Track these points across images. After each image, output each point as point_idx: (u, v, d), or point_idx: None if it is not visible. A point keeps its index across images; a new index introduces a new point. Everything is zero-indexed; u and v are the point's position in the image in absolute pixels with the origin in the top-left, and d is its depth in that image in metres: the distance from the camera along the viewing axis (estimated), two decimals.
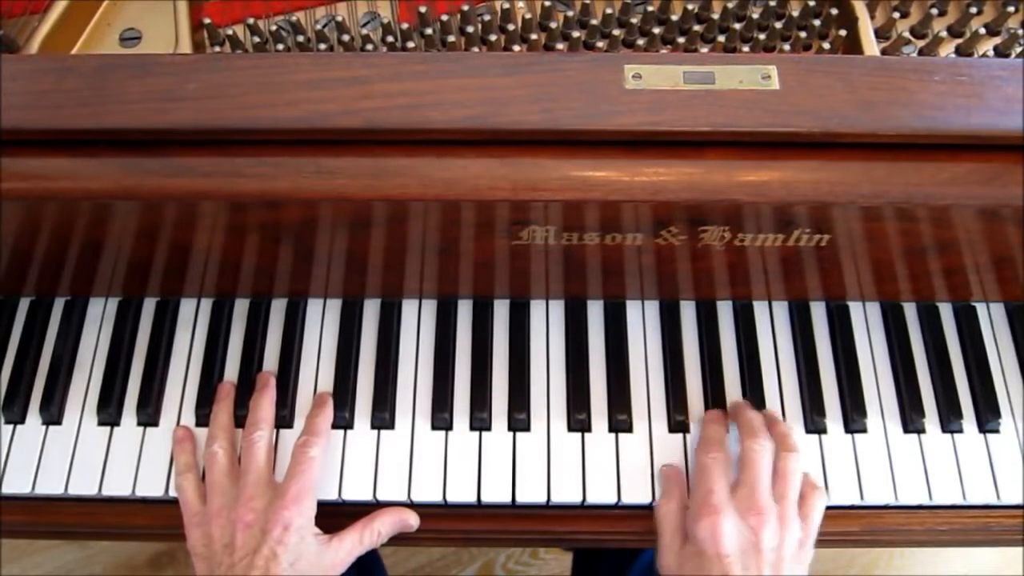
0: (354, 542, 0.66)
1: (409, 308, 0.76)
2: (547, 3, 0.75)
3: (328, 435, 0.69)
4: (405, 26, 0.76)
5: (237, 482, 0.66)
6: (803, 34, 0.75)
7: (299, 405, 0.72)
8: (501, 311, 0.76)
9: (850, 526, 0.70)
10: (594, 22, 0.75)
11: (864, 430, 0.72)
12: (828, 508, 0.69)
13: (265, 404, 0.70)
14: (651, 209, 0.62)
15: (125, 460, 0.70)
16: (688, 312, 0.77)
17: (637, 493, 0.69)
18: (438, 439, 0.71)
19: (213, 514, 0.65)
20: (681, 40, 0.75)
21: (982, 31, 0.74)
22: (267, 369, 0.74)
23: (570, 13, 0.75)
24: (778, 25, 0.76)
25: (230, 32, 0.74)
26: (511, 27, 0.75)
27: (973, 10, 0.76)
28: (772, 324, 0.76)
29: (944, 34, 0.75)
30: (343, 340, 0.75)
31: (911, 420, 0.72)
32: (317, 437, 0.68)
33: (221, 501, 0.65)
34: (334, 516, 0.68)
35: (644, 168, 0.60)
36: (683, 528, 0.65)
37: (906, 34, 0.76)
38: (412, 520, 0.69)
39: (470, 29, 0.75)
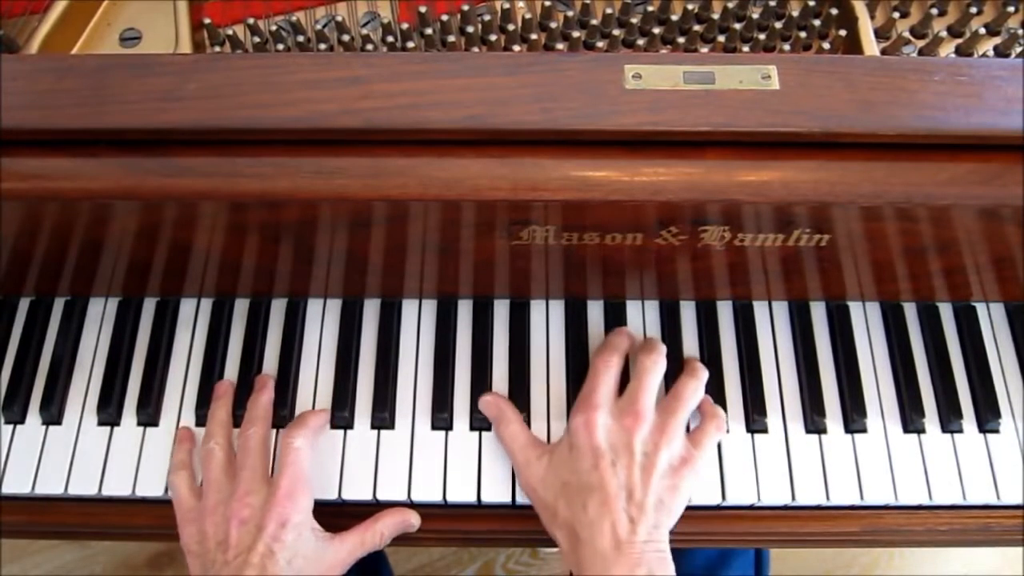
0: (356, 544, 0.66)
1: (409, 308, 0.76)
2: (547, 3, 0.75)
3: (313, 427, 0.69)
4: (405, 26, 0.76)
5: (233, 478, 0.66)
6: (803, 34, 0.75)
7: (299, 405, 0.72)
8: (501, 311, 0.76)
9: (850, 526, 0.70)
10: (594, 22, 0.75)
11: (864, 430, 0.72)
12: (828, 508, 0.70)
13: (263, 403, 0.70)
14: (651, 209, 0.62)
15: (125, 460, 0.70)
16: (688, 312, 0.77)
17: None
18: (438, 439, 0.71)
19: (208, 510, 0.64)
20: (681, 40, 0.75)
21: (982, 31, 0.74)
22: (267, 369, 0.74)
23: (570, 13, 0.75)
24: (778, 25, 0.76)
25: (230, 32, 0.74)
26: (511, 27, 0.75)
27: (973, 10, 0.76)
28: (772, 324, 0.76)
29: (944, 34, 0.75)
30: (343, 340, 0.75)
31: (911, 420, 0.72)
32: (300, 428, 0.68)
33: (217, 497, 0.65)
34: (335, 516, 0.68)
35: (644, 168, 0.60)
36: (535, 442, 0.67)
37: (906, 34, 0.76)
38: (414, 520, 0.69)
39: (470, 29, 0.75)
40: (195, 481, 0.68)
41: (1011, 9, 0.75)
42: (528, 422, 0.71)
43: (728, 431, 0.70)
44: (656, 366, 0.68)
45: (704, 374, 0.70)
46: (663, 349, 0.71)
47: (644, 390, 0.66)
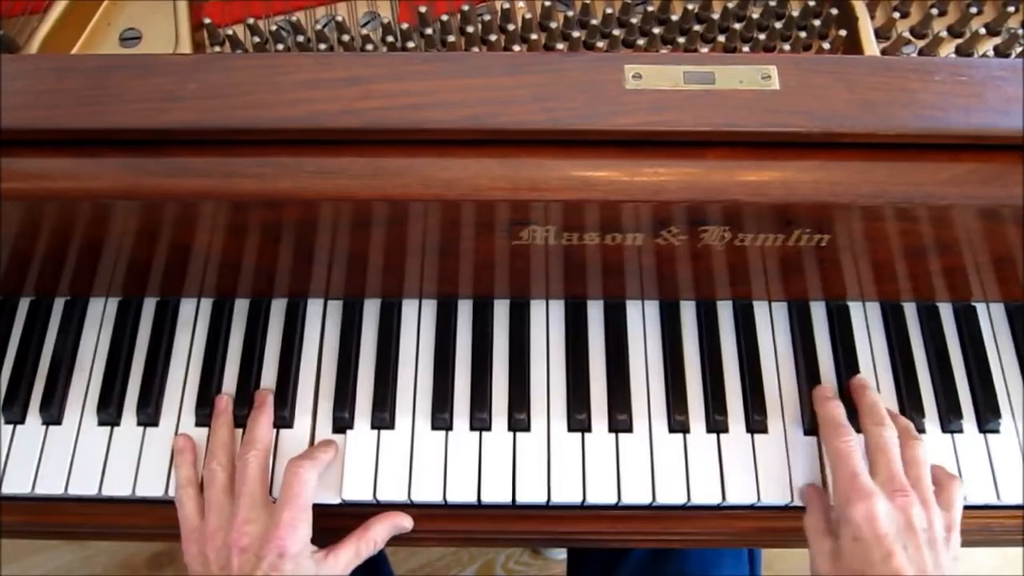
0: (351, 555, 0.66)
1: (409, 308, 0.76)
2: (547, 3, 0.75)
3: (324, 461, 0.69)
4: (405, 26, 0.76)
5: (234, 502, 0.66)
6: (803, 34, 0.75)
7: (299, 405, 0.72)
8: (501, 311, 0.76)
9: None
10: (594, 22, 0.75)
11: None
12: None
13: (262, 423, 0.70)
14: (651, 209, 0.62)
15: (125, 460, 0.70)
16: (688, 312, 0.77)
17: (637, 493, 0.69)
18: (438, 439, 0.71)
19: (209, 534, 0.64)
20: (681, 40, 0.75)
21: (982, 31, 0.75)
22: (267, 369, 0.74)
23: (570, 13, 0.75)
24: (778, 25, 0.76)
25: (230, 32, 0.74)
26: (511, 27, 0.75)
27: (973, 10, 0.76)
28: (772, 324, 0.76)
29: (944, 34, 0.75)
30: (343, 340, 0.75)
31: (911, 420, 0.71)
32: (311, 461, 0.67)
33: (217, 521, 0.65)
34: (335, 516, 0.68)
35: (644, 168, 0.60)
36: (829, 531, 0.65)
37: (906, 34, 0.76)
38: (406, 522, 0.69)
39: (470, 29, 0.75)
40: (201, 497, 0.68)
41: (1011, 9, 0.75)
42: (528, 423, 0.71)
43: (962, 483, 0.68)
44: (894, 437, 0.66)
45: (920, 436, 0.68)
46: (886, 413, 0.68)
47: (896, 463, 0.64)
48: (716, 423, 0.71)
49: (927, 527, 0.61)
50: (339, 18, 0.75)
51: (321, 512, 0.66)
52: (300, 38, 0.75)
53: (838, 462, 0.65)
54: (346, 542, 0.66)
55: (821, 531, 0.65)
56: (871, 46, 0.73)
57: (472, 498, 0.69)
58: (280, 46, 0.74)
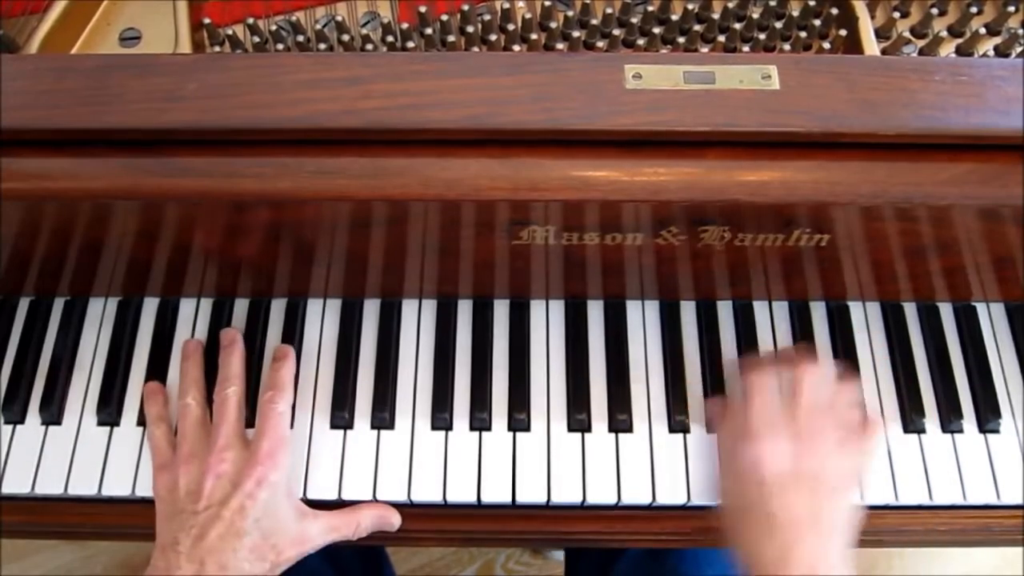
0: (328, 526, 0.66)
1: (409, 308, 0.76)
2: (547, 3, 0.75)
3: (290, 385, 0.70)
4: (405, 26, 0.76)
5: (209, 434, 0.66)
6: (803, 34, 0.75)
7: (299, 405, 0.72)
8: (501, 311, 0.76)
9: None
10: (594, 22, 0.75)
11: None
12: None
13: (235, 360, 0.70)
14: (651, 209, 0.62)
15: (125, 460, 0.70)
16: (688, 312, 0.76)
17: (637, 493, 0.69)
18: (438, 439, 0.71)
19: (182, 460, 0.65)
20: (681, 40, 0.75)
21: (982, 31, 0.74)
22: (267, 368, 0.74)
23: (570, 13, 0.75)
24: (778, 25, 0.76)
25: (230, 32, 0.74)
26: (511, 27, 0.75)
27: (973, 10, 0.76)
28: (772, 324, 0.76)
29: (944, 34, 0.75)
30: (343, 340, 0.75)
31: (911, 420, 0.72)
32: (282, 391, 0.68)
33: (191, 449, 0.65)
34: None
35: (644, 168, 0.60)
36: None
37: (906, 34, 0.76)
38: (394, 520, 0.69)
39: (470, 29, 0.75)
40: (172, 433, 0.68)
41: (1011, 9, 0.75)
42: (528, 423, 0.71)
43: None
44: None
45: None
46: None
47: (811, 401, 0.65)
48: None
49: (817, 472, 0.61)
50: (339, 18, 0.75)
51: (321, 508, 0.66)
52: (300, 38, 0.75)
53: (747, 397, 0.66)
54: (330, 513, 0.66)
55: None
56: (871, 46, 0.73)
57: (472, 498, 0.69)
58: (280, 46, 0.74)
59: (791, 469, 0.61)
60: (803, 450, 0.61)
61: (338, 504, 0.69)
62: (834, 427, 0.64)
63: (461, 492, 0.69)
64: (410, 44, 0.73)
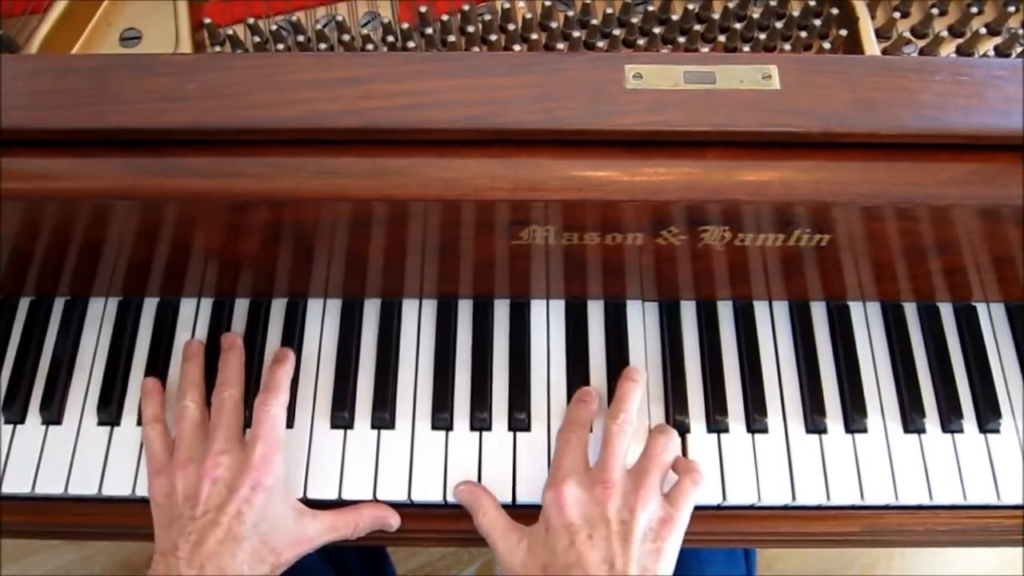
0: (326, 526, 0.66)
1: (409, 308, 0.76)
2: (547, 3, 0.75)
3: (286, 388, 0.70)
4: (405, 26, 0.76)
5: (206, 437, 0.66)
6: (804, 34, 0.75)
7: (299, 405, 0.72)
8: (501, 311, 0.76)
9: (850, 526, 0.70)
10: (594, 22, 0.75)
11: (864, 430, 0.72)
12: (829, 509, 0.70)
13: (234, 363, 0.70)
14: (651, 209, 0.62)
15: (125, 460, 0.70)
16: (688, 312, 0.76)
17: None
18: (438, 439, 0.71)
19: (179, 464, 0.64)
20: (682, 40, 0.75)
21: (983, 31, 0.74)
22: (267, 368, 0.74)
23: (570, 13, 0.75)
24: (779, 25, 0.76)
25: (230, 32, 0.74)
26: (511, 27, 0.75)
27: (974, 10, 0.76)
28: (772, 324, 0.76)
29: (945, 34, 0.75)
30: (343, 340, 0.75)
31: (911, 420, 0.72)
32: (276, 393, 0.68)
33: (188, 453, 0.65)
34: None
35: (644, 168, 0.60)
36: (513, 527, 0.65)
37: (906, 34, 0.76)
38: (393, 520, 0.69)
39: (470, 29, 0.75)
40: (169, 435, 0.68)
41: (1011, 9, 0.75)
42: (528, 423, 0.71)
43: (703, 483, 0.67)
44: (623, 430, 0.66)
45: (672, 432, 0.68)
46: (629, 409, 0.68)
47: (613, 456, 0.64)
48: (716, 423, 0.71)
49: (626, 519, 0.60)
50: (339, 18, 0.75)
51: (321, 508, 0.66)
52: (300, 38, 0.75)
53: (555, 456, 0.67)
54: (328, 512, 0.66)
55: (502, 527, 0.65)
56: (871, 46, 0.73)
57: None
58: (280, 46, 0.74)
59: (597, 513, 0.60)
60: (608, 496, 0.61)
61: (338, 504, 0.69)
62: (643, 478, 0.63)
63: None
64: (410, 44, 0.73)
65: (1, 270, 0.72)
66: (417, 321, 0.76)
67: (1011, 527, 0.70)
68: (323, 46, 0.74)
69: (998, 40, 0.75)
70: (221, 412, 0.67)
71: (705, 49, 0.75)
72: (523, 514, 0.69)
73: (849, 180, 0.60)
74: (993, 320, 0.77)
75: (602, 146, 0.60)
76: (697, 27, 0.76)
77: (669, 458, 0.66)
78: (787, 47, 0.76)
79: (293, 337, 0.75)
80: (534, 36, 0.74)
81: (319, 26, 0.74)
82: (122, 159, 0.60)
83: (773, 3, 0.76)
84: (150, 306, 0.77)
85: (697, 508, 0.69)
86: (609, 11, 0.74)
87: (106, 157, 0.60)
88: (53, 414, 0.72)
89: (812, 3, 0.75)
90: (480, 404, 0.72)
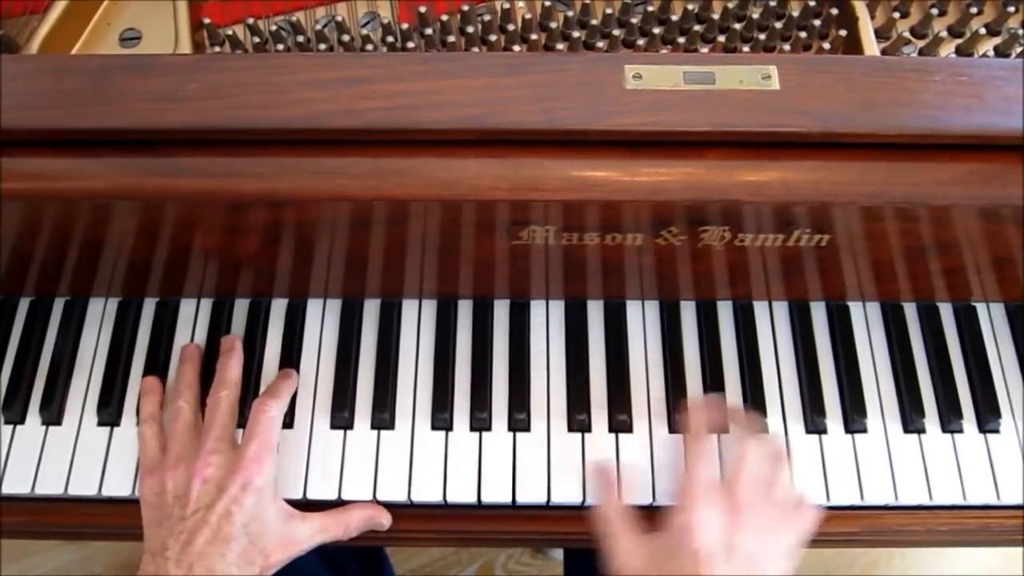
0: (317, 527, 0.65)
1: (409, 308, 0.76)
2: (547, 3, 0.75)
3: (287, 397, 0.70)
4: (405, 26, 0.76)
5: (199, 438, 0.66)
6: (803, 34, 0.75)
7: (299, 405, 0.72)
8: (501, 311, 0.76)
9: (850, 526, 0.70)
10: (594, 22, 0.75)
11: (864, 430, 0.72)
12: (829, 508, 0.70)
13: (232, 365, 0.70)
14: (651, 209, 0.62)
15: (125, 460, 0.70)
16: (688, 312, 0.76)
17: (638, 493, 0.69)
18: (438, 439, 0.71)
19: (170, 464, 0.64)
20: (681, 40, 0.75)
21: (982, 31, 0.75)
22: (268, 369, 0.74)
23: (570, 13, 0.75)
24: (778, 25, 0.76)
25: (230, 32, 0.74)
26: (511, 27, 0.75)
27: (973, 10, 0.76)
28: (772, 324, 0.76)
29: (944, 34, 0.75)
30: (343, 340, 0.75)
31: (911, 420, 0.72)
32: (278, 399, 0.68)
33: (180, 453, 0.65)
34: None
35: (644, 168, 0.60)
36: (637, 525, 0.63)
37: (906, 34, 0.76)
38: (384, 520, 0.69)
39: (470, 29, 0.75)
40: (163, 435, 0.68)
41: (1011, 9, 0.75)
42: (528, 422, 0.71)
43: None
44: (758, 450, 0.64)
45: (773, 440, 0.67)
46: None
47: (748, 477, 0.62)
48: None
49: (752, 551, 0.59)
50: (339, 18, 0.75)
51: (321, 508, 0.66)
52: (300, 38, 0.75)
53: (687, 466, 0.65)
54: (319, 514, 0.66)
55: (626, 523, 0.63)
56: (871, 46, 0.73)
57: (472, 498, 0.69)
58: (280, 46, 0.74)
59: (725, 542, 0.59)
60: (739, 525, 0.59)
61: (338, 504, 0.69)
62: (772, 504, 0.62)
63: (461, 492, 0.69)
64: (410, 44, 0.74)
65: (1, 270, 0.72)
66: (417, 321, 0.76)
67: (1011, 527, 0.70)
68: (323, 46, 0.74)
69: (998, 40, 0.75)
70: (215, 412, 0.67)
71: (705, 49, 0.75)
72: (524, 515, 0.69)
73: (849, 180, 0.60)
74: (993, 320, 0.77)
75: (602, 146, 0.60)
76: (697, 27, 0.76)
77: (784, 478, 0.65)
78: (787, 47, 0.76)
79: (293, 337, 0.75)
80: (534, 36, 0.74)
81: (319, 26, 0.74)
82: (122, 159, 0.60)
83: (773, 3, 0.76)
84: (150, 306, 0.77)
85: None
86: (609, 11, 0.74)
87: (106, 157, 0.60)
88: (53, 414, 0.72)
89: (812, 3, 0.75)
90: (480, 404, 0.72)
